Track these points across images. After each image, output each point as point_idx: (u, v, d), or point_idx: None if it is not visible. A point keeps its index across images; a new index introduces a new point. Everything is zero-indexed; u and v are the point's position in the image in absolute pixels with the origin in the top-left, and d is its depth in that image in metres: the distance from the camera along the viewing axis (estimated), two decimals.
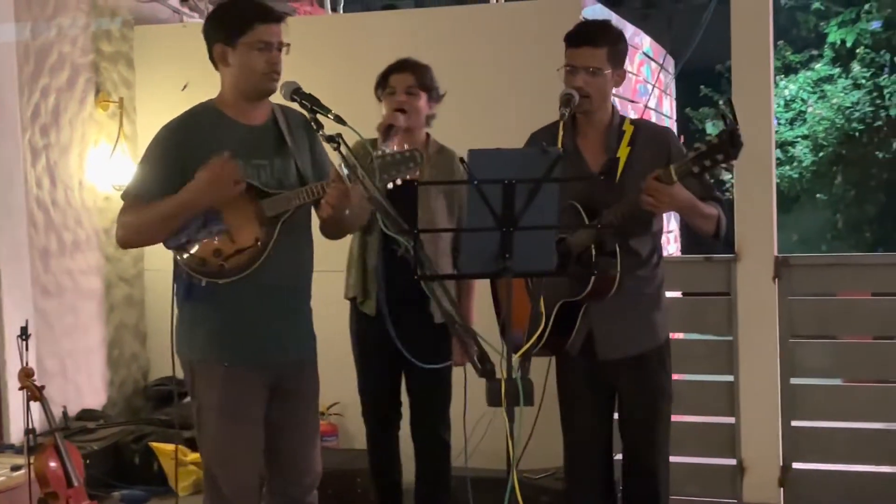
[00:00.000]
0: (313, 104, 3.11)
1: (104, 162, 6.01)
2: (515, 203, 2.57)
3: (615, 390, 3.59)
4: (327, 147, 3.20)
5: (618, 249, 3.35)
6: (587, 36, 3.45)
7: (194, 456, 5.24)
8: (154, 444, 5.32)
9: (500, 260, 2.60)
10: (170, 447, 5.32)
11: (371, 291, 4.06)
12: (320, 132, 3.09)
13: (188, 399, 5.75)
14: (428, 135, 4.16)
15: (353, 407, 5.66)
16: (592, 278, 3.29)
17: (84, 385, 5.85)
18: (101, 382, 6.00)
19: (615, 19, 6.14)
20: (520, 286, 3.39)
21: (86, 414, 5.66)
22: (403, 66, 4.09)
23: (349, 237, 4.07)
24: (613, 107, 3.55)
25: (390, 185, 3.14)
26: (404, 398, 4.32)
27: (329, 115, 3.07)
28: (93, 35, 6.01)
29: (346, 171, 3.10)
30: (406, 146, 3.23)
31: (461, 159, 2.54)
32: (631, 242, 3.43)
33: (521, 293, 3.40)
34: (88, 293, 5.93)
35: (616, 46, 3.46)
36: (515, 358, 2.61)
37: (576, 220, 3.29)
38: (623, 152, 3.43)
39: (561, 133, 3.25)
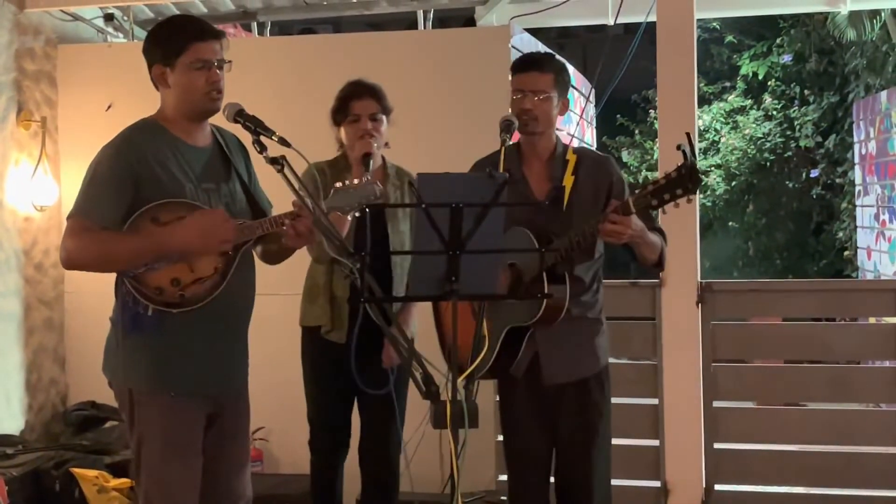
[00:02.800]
0: (257, 126, 3.10)
1: (25, 182, 5.90)
2: (463, 227, 2.60)
3: (554, 416, 3.62)
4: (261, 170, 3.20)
5: (567, 276, 3.41)
6: (534, 62, 3.57)
7: (116, 482, 5.15)
8: (75, 470, 5.20)
9: (447, 283, 2.64)
10: (91, 473, 5.21)
11: (341, 321, 4.00)
12: (263, 154, 3.07)
13: (109, 424, 5.74)
14: (383, 157, 4.12)
15: (278, 432, 5.67)
16: (544, 304, 3.33)
17: (2, 410, 5.70)
18: (18, 407, 5.86)
19: (542, 49, 6.24)
20: (466, 310, 3.42)
21: (4, 439, 5.51)
22: (364, 91, 4.01)
23: (307, 264, 4.08)
24: (557, 136, 3.64)
25: (350, 217, 3.13)
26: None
27: (273, 137, 3.06)
28: (15, 53, 5.89)
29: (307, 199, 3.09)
30: (367, 177, 3.23)
31: (410, 182, 2.56)
32: (578, 268, 3.50)
33: (466, 316, 3.43)
34: (7, 316, 5.79)
35: (561, 75, 3.58)
36: (460, 380, 2.64)
37: (525, 246, 3.33)
38: (568, 181, 3.51)
39: (502, 158, 3.30)
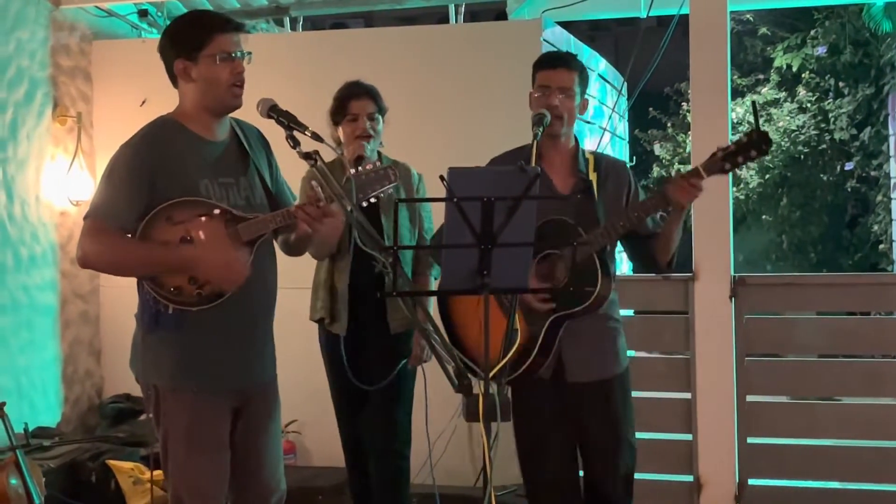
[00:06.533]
0: (290, 121, 3.09)
1: (61, 177, 5.97)
2: (494, 220, 2.61)
3: (579, 415, 3.59)
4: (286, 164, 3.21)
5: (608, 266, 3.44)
6: (562, 59, 3.59)
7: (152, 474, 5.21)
8: (111, 462, 5.27)
9: (478, 277, 2.64)
10: (127, 465, 5.28)
11: (340, 314, 4.12)
12: (297, 149, 3.07)
13: (144, 417, 5.79)
14: (379, 153, 4.21)
15: (311, 425, 5.70)
16: (597, 289, 3.38)
17: (39, 402, 5.78)
18: (55, 400, 5.94)
19: (574, 42, 6.24)
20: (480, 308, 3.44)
21: (41, 431, 5.57)
22: (361, 91, 4.14)
23: (313, 260, 4.12)
24: (576, 136, 3.66)
25: (365, 203, 3.15)
26: None
27: (306, 133, 3.06)
28: (51, 49, 5.97)
29: (321, 191, 3.11)
30: (378, 163, 3.24)
31: (441, 177, 2.56)
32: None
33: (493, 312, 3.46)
34: (44, 309, 5.87)
35: (584, 73, 3.59)
36: (492, 373, 2.65)
37: (562, 238, 3.33)
38: (592, 176, 3.53)
39: (534, 152, 3.30)
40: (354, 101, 4.11)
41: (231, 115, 3.30)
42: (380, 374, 4.14)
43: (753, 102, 3.20)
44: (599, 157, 3.66)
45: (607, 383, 3.58)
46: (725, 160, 3.24)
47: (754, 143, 3.21)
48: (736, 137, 3.25)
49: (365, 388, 4.14)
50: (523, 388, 3.56)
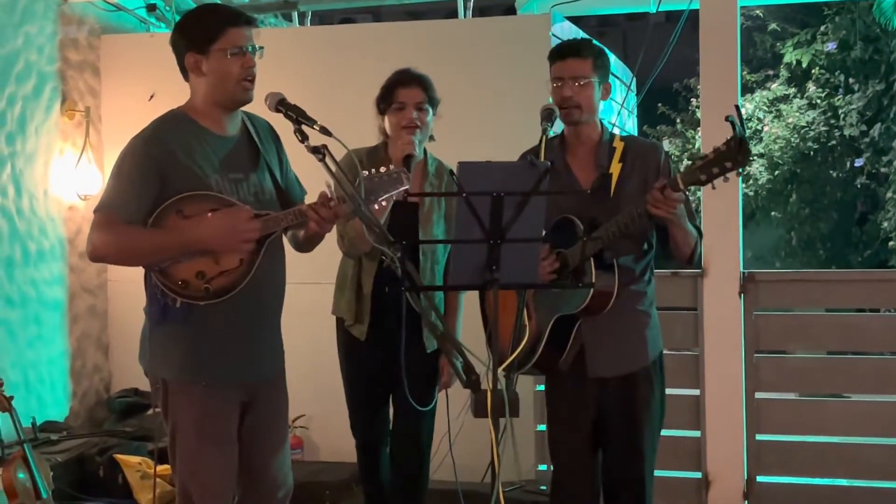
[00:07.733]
0: (298, 115, 3.07)
1: (69, 171, 5.97)
2: (504, 216, 2.59)
3: (601, 410, 3.55)
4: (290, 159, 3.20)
5: (615, 264, 3.36)
6: (572, 48, 3.52)
7: (159, 468, 5.20)
8: (119, 457, 5.27)
9: (487, 272, 2.63)
10: (135, 459, 5.28)
11: (364, 316, 3.96)
12: (305, 143, 3.06)
13: (152, 411, 5.79)
14: (426, 150, 4.03)
15: (318, 419, 5.70)
16: (591, 292, 3.29)
17: (47, 396, 5.79)
18: (63, 394, 5.94)
19: (583, 37, 6.21)
20: (512, 299, 3.40)
21: (49, 426, 5.59)
22: (411, 79, 3.91)
23: (338, 255, 4.05)
24: (602, 123, 3.60)
25: (377, 206, 3.12)
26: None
27: (314, 127, 3.04)
28: (59, 43, 5.97)
29: (334, 189, 3.09)
30: (392, 167, 3.21)
31: (451, 172, 2.55)
32: (625, 259, 3.44)
33: (513, 306, 3.42)
34: (52, 304, 5.88)
35: (600, 59, 3.52)
36: (501, 369, 2.63)
37: (571, 234, 3.29)
38: (615, 168, 3.45)
39: (542, 147, 3.27)
40: (402, 89, 3.87)
41: (241, 108, 3.29)
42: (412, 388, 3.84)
43: (736, 107, 2.98)
44: (629, 144, 3.56)
45: (631, 378, 3.52)
46: (702, 171, 3.07)
47: (730, 154, 2.99)
48: (716, 145, 3.04)
49: (397, 387, 3.89)
50: (552, 381, 3.62)
